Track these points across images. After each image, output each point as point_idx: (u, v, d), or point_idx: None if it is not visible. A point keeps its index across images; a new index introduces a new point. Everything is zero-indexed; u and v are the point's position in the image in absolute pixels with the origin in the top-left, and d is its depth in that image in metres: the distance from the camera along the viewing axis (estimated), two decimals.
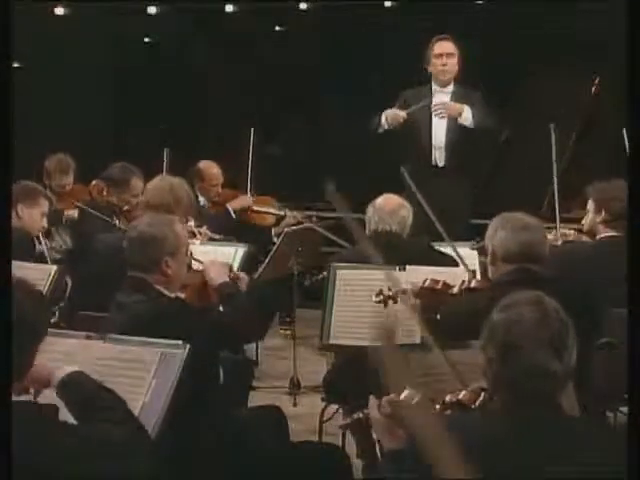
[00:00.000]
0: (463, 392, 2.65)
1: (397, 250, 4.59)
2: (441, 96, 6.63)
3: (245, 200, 7.20)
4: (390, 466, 2.53)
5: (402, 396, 2.58)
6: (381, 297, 3.94)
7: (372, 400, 2.60)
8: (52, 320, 4.55)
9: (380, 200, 4.92)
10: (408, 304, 3.85)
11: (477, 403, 2.60)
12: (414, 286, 3.92)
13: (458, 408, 2.61)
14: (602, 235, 4.72)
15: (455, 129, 6.56)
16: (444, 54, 6.57)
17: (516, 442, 2.34)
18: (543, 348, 2.37)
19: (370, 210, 4.88)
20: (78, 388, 2.68)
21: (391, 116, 6.54)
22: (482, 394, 2.61)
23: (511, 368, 2.39)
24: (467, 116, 6.53)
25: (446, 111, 6.55)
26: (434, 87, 6.66)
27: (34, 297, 2.57)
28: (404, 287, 3.91)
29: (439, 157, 6.60)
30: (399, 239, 4.80)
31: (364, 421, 2.69)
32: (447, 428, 2.37)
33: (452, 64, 6.58)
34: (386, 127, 6.57)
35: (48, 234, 6.19)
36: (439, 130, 6.60)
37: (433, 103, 6.58)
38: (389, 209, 4.83)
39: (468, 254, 4.97)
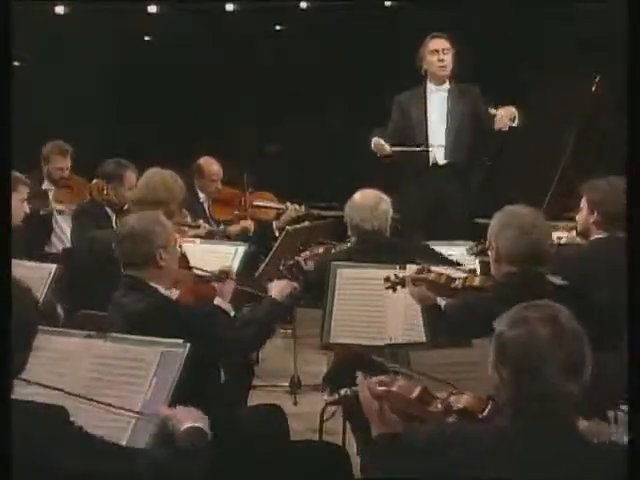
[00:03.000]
0: (467, 397, 2.51)
1: (389, 250, 4.58)
2: (437, 95, 6.56)
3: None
4: (381, 451, 2.41)
5: (396, 385, 2.47)
6: (389, 283, 3.98)
7: (360, 377, 2.48)
8: (60, 320, 4.56)
9: (357, 197, 4.75)
10: (409, 290, 3.89)
11: (485, 413, 2.46)
12: (417, 272, 3.90)
13: (464, 416, 2.47)
14: (594, 237, 4.42)
15: (455, 126, 6.50)
16: (439, 50, 6.47)
17: (526, 459, 2.26)
18: (559, 370, 2.28)
19: (348, 208, 4.73)
20: None
21: (377, 147, 6.43)
22: (490, 403, 2.47)
23: (526, 391, 2.30)
24: None
25: None
26: (430, 86, 6.54)
27: (28, 294, 2.58)
28: (409, 273, 3.93)
29: (438, 155, 6.53)
30: (385, 237, 4.75)
31: (353, 399, 2.52)
32: (452, 439, 2.29)
33: (448, 60, 6.47)
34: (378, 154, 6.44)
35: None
36: (438, 128, 6.53)
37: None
38: (369, 205, 4.69)
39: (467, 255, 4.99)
